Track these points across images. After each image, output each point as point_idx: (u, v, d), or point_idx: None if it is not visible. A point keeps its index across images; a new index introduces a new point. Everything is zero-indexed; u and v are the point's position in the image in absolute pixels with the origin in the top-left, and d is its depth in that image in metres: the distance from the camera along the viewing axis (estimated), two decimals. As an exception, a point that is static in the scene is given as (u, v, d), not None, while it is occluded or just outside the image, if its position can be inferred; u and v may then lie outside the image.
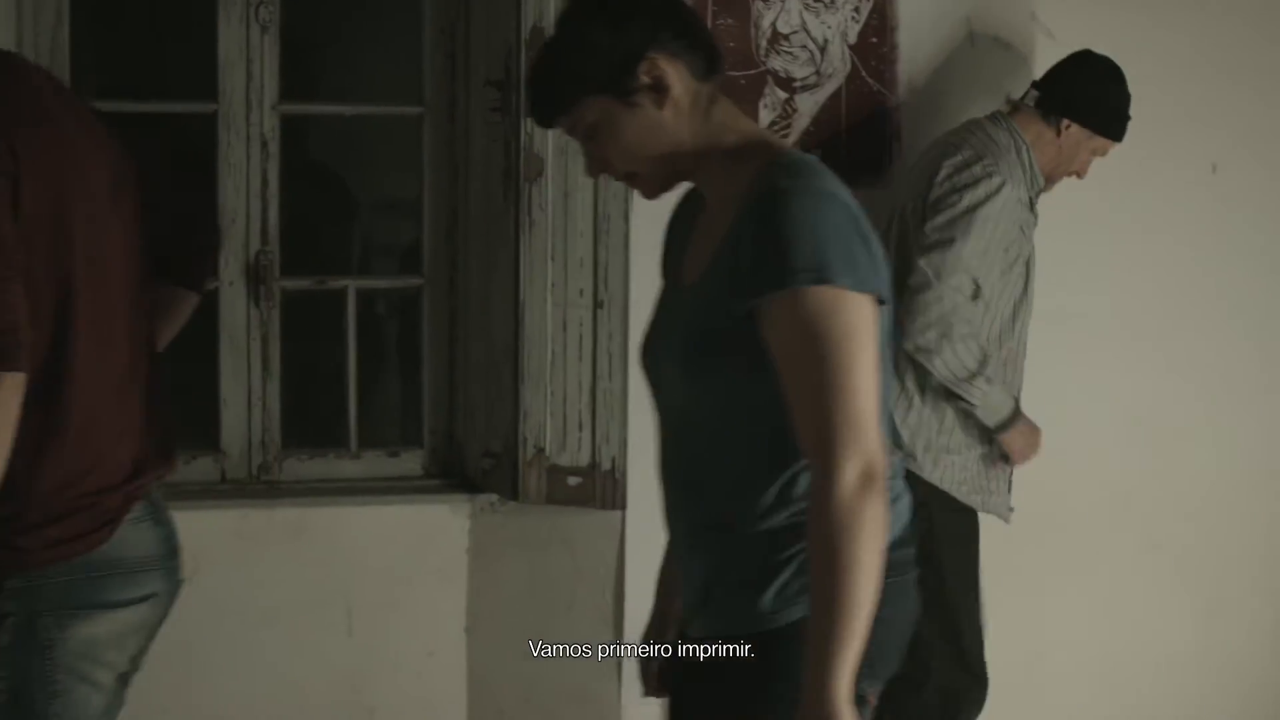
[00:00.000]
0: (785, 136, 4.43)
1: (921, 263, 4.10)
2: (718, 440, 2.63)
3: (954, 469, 4.26)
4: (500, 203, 4.35)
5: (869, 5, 4.50)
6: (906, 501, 2.72)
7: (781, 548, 2.56)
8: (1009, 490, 4.37)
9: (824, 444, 2.42)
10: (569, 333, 4.31)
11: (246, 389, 4.37)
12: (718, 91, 2.70)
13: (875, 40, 4.51)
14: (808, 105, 4.48)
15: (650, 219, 4.31)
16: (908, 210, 4.25)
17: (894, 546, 2.57)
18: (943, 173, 4.18)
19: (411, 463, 4.57)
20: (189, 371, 4.55)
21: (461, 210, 4.49)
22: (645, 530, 4.40)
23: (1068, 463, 4.71)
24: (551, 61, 2.66)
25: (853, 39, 4.50)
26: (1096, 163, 4.47)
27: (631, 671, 4.40)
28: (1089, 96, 4.32)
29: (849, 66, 4.50)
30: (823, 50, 4.48)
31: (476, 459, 4.45)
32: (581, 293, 4.30)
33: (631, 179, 2.73)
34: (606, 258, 4.30)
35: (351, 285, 4.53)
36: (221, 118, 4.30)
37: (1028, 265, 4.26)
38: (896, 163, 4.52)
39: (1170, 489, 4.79)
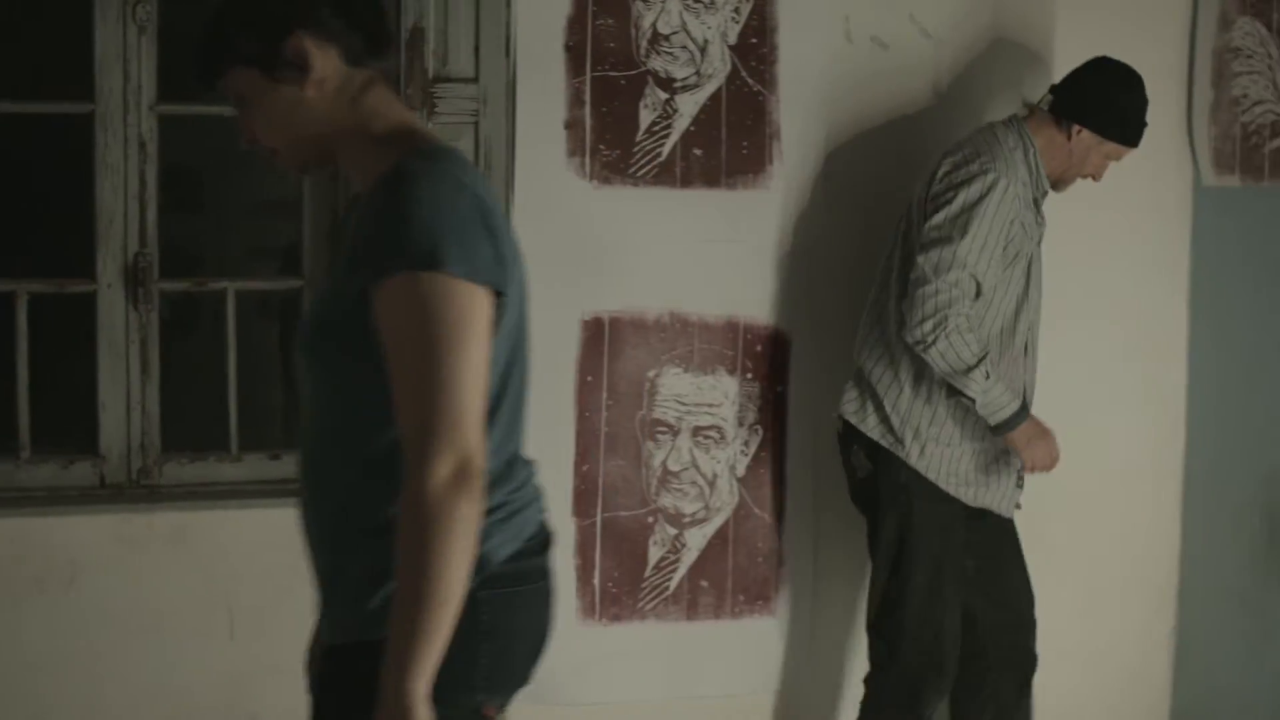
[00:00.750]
0: (665, 137, 4.47)
1: (920, 259, 4.21)
2: (334, 432, 2.61)
3: (942, 460, 4.34)
4: (381, 204, 4.35)
5: (749, 6, 4.55)
6: (536, 509, 2.71)
7: (390, 551, 2.47)
8: (1018, 485, 4.45)
9: (417, 436, 2.39)
10: (451, 334, 4.32)
11: (125, 392, 4.34)
12: (376, 78, 2.68)
13: (755, 41, 4.55)
14: (688, 106, 4.51)
15: (536, 216, 4.38)
16: (913, 207, 4.37)
17: (518, 556, 2.58)
18: (942, 170, 4.31)
19: (293, 465, 4.55)
20: (67, 374, 4.54)
21: (342, 211, 4.49)
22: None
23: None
24: (208, 28, 2.66)
25: (733, 40, 4.54)
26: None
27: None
28: (1100, 102, 4.37)
29: (729, 67, 4.54)
30: (703, 51, 4.52)
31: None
32: (464, 293, 4.32)
33: (274, 154, 2.70)
34: (488, 258, 4.31)
35: (231, 287, 4.51)
36: (98, 119, 4.27)
37: (1030, 264, 4.36)
38: (776, 163, 4.56)
39: (1044, 487, 4.86)
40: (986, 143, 4.34)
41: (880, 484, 4.39)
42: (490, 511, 2.53)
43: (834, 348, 4.68)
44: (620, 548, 4.53)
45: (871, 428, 4.37)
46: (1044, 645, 4.77)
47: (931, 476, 4.35)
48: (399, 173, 2.49)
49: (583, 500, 4.49)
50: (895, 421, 4.34)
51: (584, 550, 4.50)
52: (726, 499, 4.61)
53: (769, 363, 4.61)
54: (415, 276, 2.41)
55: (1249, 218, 4.85)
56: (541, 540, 2.70)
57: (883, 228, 4.73)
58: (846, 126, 4.69)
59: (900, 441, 4.34)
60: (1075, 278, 4.91)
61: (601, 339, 4.47)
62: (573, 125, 4.42)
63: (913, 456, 4.34)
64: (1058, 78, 4.72)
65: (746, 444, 4.62)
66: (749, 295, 4.59)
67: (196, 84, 2.70)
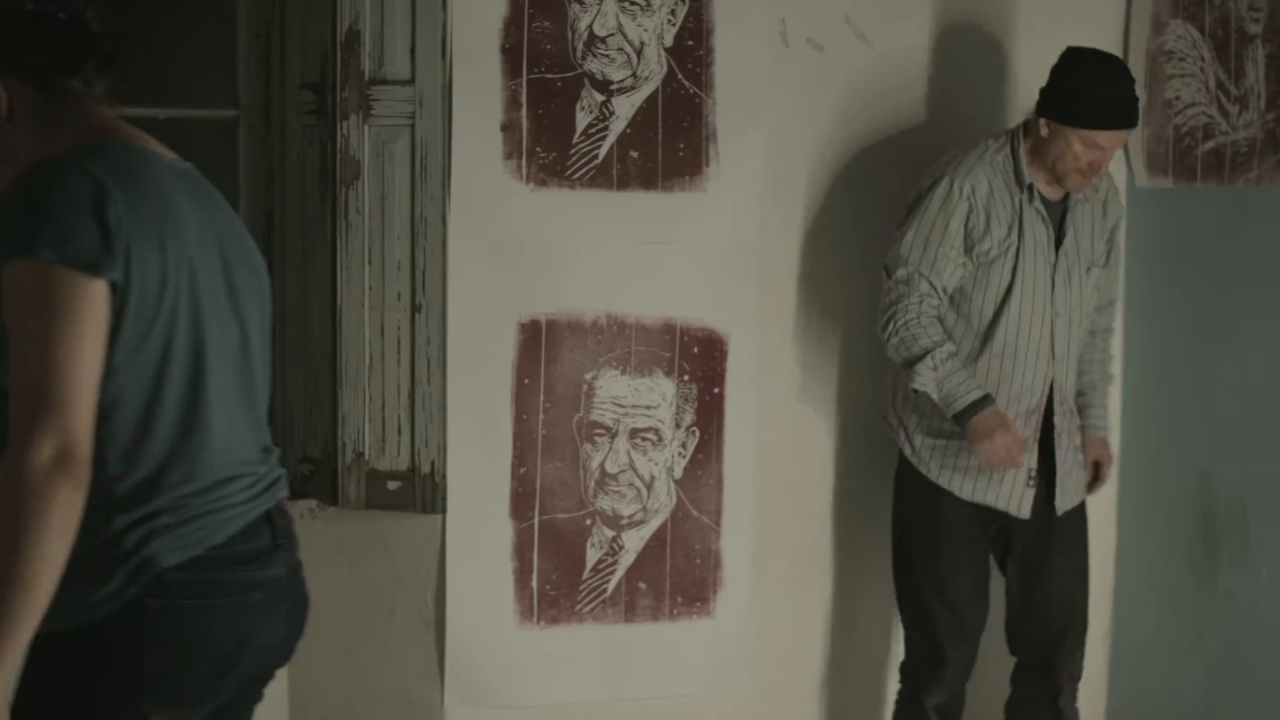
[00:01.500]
0: (602, 139, 4.50)
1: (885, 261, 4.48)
2: None
3: (934, 453, 4.49)
4: (317, 206, 4.37)
5: (685, 8, 4.58)
6: (237, 515, 2.66)
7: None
8: (1029, 485, 4.47)
9: (18, 419, 2.41)
10: (387, 337, 4.34)
11: None
12: (77, 91, 2.70)
13: (691, 43, 4.58)
14: (624, 108, 4.54)
15: (473, 218, 4.40)
16: None
17: (194, 565, 2.55)
18: None
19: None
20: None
21: (278, 214, 4.50)
22: (466, 534, 4.46)
23: (881, 455, 4.84)
24: None
25: (669, 42, 4.57)
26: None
27: (455, 675, 4.45)
28: (1053, 89, 4.40)
29: (665, 69, 4.56)
30: (639, 53, 4.54)
31: (295, 465, 4.46)
32: (399, 296, 4.34)
33: None
34: (424, 261, 4.34)
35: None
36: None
37: (1017, 259, 4.40)
38: (713, 165, 4.59)
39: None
40: (963, 149, 4.49)
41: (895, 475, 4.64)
42: (153, 515, 2.53)
43: (772, 349, 4.73)
44: (558, 550, 4.55)
45: (889, 420, 4.62)
46: (981, 646, 4.82)
47: (924, 470, 4.50)
48: (27, 170, 2.53)
49: (520, 502, 4.51)
50: (895, 415, 4.58)
51: (521, 553, 4.51)
52: (664, 501, 4.64)
53: (706, 364, 4.64)
54: (12, 263, 2.44)
55: (1182, 219, 4.92)
56: (247, 551, 2.66)
57: (819, 229, 4.78)
58: (783, 129, 4.72)
59: (899, 434, 4.56)
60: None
61: (538, 341, 4.48)
62: (509, 127, 4.43)
63: (908, 449, 4.54)
64: (992, 80, 4.78)
65: (684, 446, 4.64)
66: (686, 297, 4.61)
67: None
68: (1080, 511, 4.62)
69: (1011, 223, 4.41)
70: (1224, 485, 4.76)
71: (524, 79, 4.45)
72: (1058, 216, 4.46)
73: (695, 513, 4.66)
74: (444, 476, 4.39)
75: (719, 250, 4.64)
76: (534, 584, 4.54)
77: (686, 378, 4.63)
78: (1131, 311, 5.09)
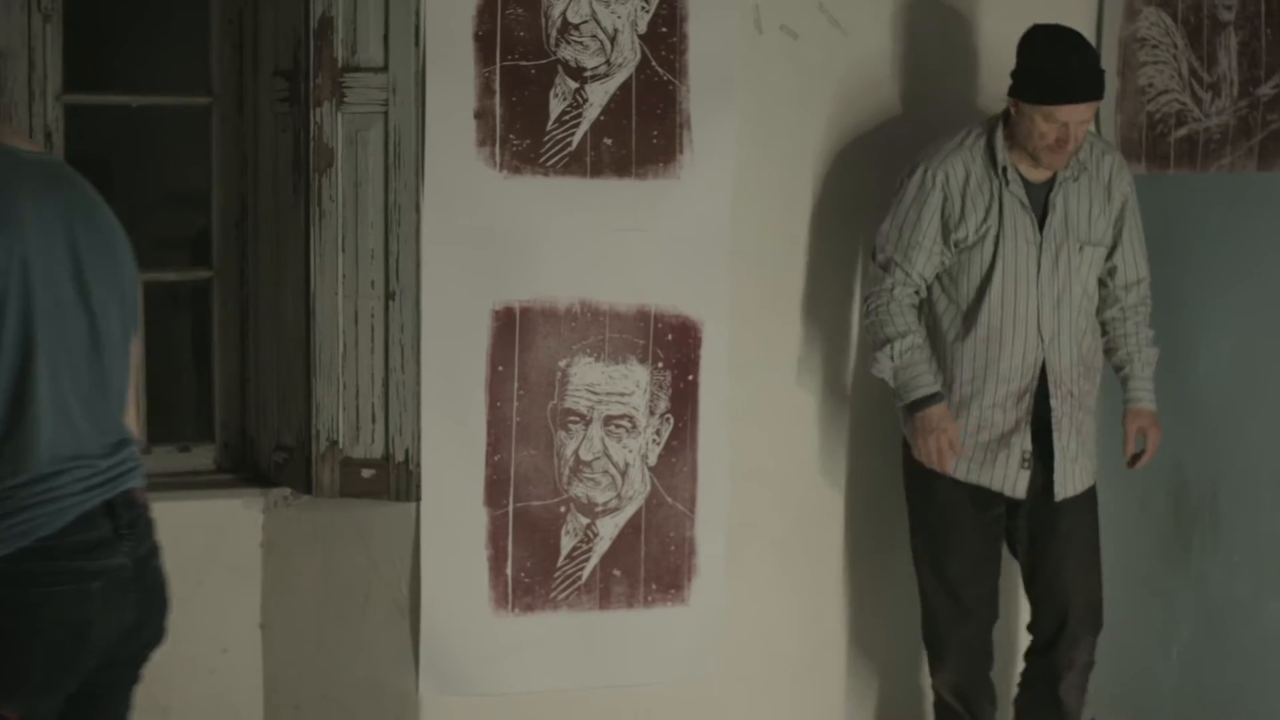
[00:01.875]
0: (576, 126, 4.51)
1: None
2: None
3: None
4: (290, 194, 4.37)
5: (659, -5, 4.60)
6: (61, 509, 2.68)
7: None
8: (1023, 466, 4.52)
9: None
10: (360, 324, 4.35)
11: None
12: None
13: (665, 30, 4.59)
14: (598, 95, 4.55)
15: (447, 206, 4.41)
16: None
17: (22, 557, 2.58)
18: None
19: (203, 458, 4.59)
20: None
21: (251, 202, 4.51)
22: (440, 522, 4.48)
23: (847, 442, 4.94)
24: None
25: (643, 29, 4.58)
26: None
27: (430, 663, 4.47)
28: (1015, 70, 4.42)
29: (639, 56, 4.58)
30: (613, 40, 4.56)
31: (269, 453, 4.47)
32: (373, 284, 4.34)
33: None
34: (398, 249, 4.34)
35: (140, 278, 4.51)
36: (2, 109, 4.26)
37: (997, 244, 4.46)
38: (686, 152, 4.61)
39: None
40: (944, 137, 4.57)
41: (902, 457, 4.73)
42: None
43: (745, 336, 4.74)
44: (533, 537, 4.57)
45: (896, 403, 4.65)
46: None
47: (913, 449, 4.57)
48: None
49: (495, 490, 4.52)
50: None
51: (496, 540, 4.53)
52: (639, 488, 4.65)
53: (680, 351, 4.66)
54: None
55: (1155, 205, 4.93)
56: (83, 541, 2.68)
57: (791, 215, 4.79)
58: (757, 116, 4.74)
59: (901, 415, 4.60)
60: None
61: (513, 329, 4.50)
62: (482, 115, 4.45)
63: (907, 430, 4.60)
64: (966, 67, 4.80)
65: (658, 433, 4.66)
66: (660, 284, 4.63)
67: None
68: (1086, 499, 4.63)
69: (989, 208, 4.45)
70: (1196, 474, 4.78)
71: (497, 66, 4.46)
72: (1042, 197, 4.48)
73: (670, 500, 4.68)
74: (418, 464, 4.40)
75: (693, 237, 4.65)
76: (509, 571, 4.56)
77: (660, 365, 4.64)
78: (1105, 298, 5.12)
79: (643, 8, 4.58)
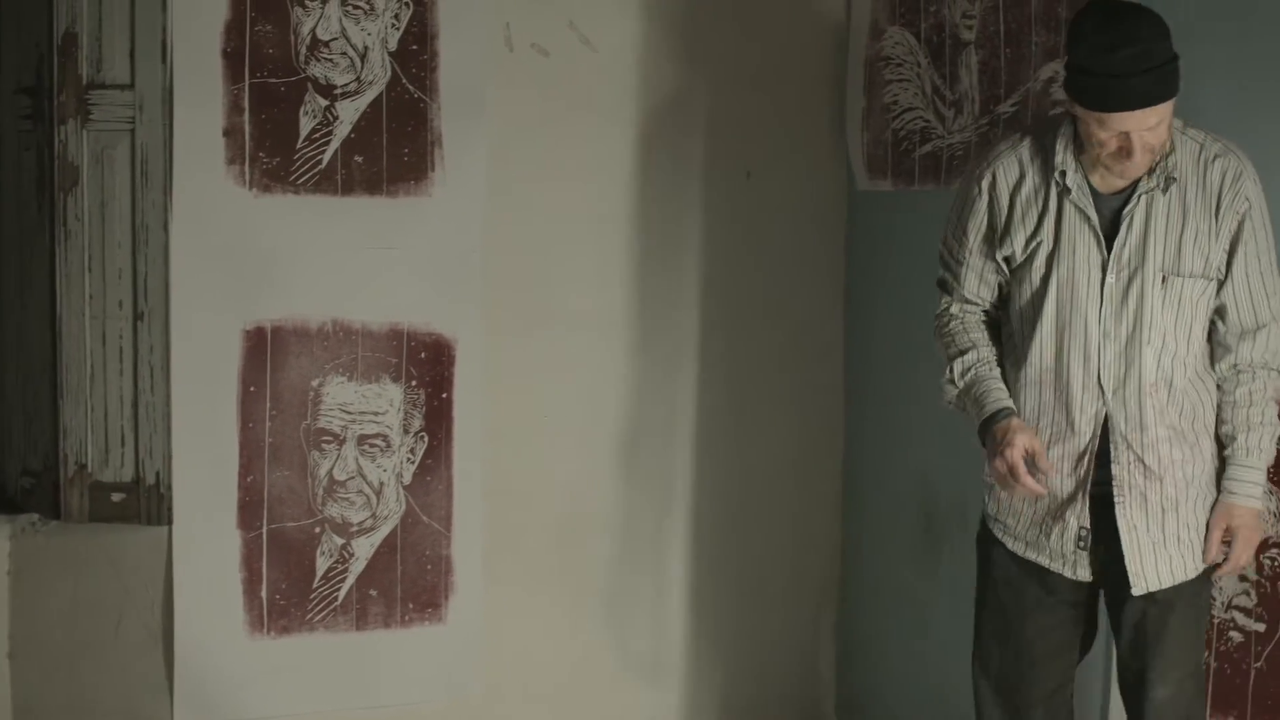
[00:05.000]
0: (326, 144, 4.57)
1: None
2: None
3: (995, 500, 3.88)
4: (34, 214, 4.38)
5: (409, 13, 4.67)
6: None
7: None
8: (1079, 546, 3.71)
9: None
10: (109, 346, 4.38)
11: None
12: None
13: (415, 48, 4.68)
14: (349, 112, 4.63)
15: (196, 225, 4.44)
16: None
17: None
18: None
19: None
20: None
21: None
22: (193, 545, 4.50)
23: (604, 459, 5.04)
24: None
25: (393, 46, 4.67)
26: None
27: (184, 690, 4.49)
28: (1066, 59, 3.59)
29: (389, 73, 4.66)
30: (363, 57, 4.63)
31: (16, 478, 4.47)
32: (121, 304, 4.37)
33: None
34: (146, 269, 4.38)
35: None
36: None
37: (1049, 266, 3.68)
38: (438, 169, 4.70)
39: (708, 481, 5.11)
40: (1010, 132, 4.08)
41: None
42: None
43: (499, 354, 4.86)
44: (287, 559, 4.62)
45: None
46: (712, 641, 5.00)
47: (989, 514, 3.91)
48: None
49: (248, 512, 4.57)
50: None
51: (250, 563, 4.58)
52: (394, 507, 4.73)
53: (434, 370, 4.75)
54: None
55: (901, 221, 5.12)
56: None
57: (544, 232, 4.90)
58: (510, 134, 4.85)
59: None
60: (737, 283, 5.15)
61: (264, 348, 4.55)
62: (231, 132, 4.50)
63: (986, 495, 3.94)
64: (717, 79, 4.95)
65: (413, 451, 4.74)
66: (412, 302, 4.72)
67: None
68: (1187, 598, 3.70)
69: (1042, 218, 3.68)
70: (944, 484, 4.98)
71: (246, 83, 4.51)
72: (1116, 211, 3.64)
73: (425, 518, 4.76)
74: (169, 487, 4.45)
75: (446, 255, 4.75)
76: (263, 594, 4.60)
77: (414, 383, 4.72)
78: (853, 312, 5.31)
79: (393, 25, 4.66)
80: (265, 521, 4.59)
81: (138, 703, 4.56)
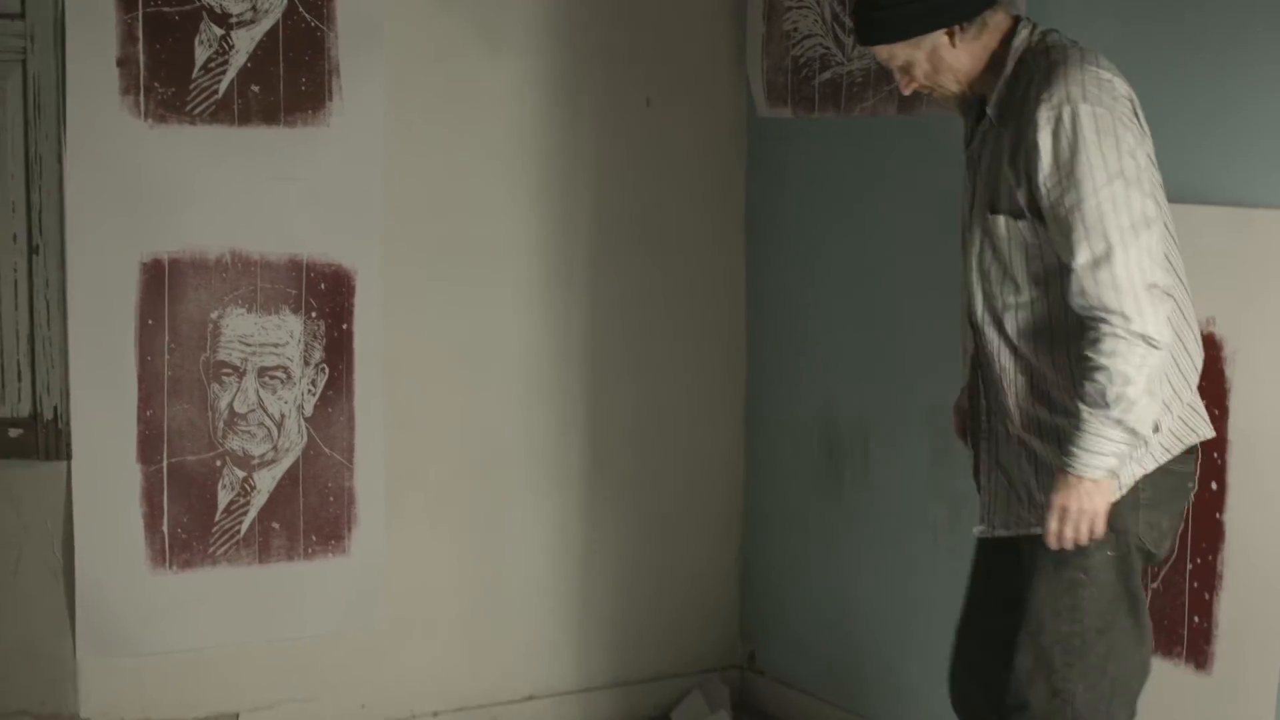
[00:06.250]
0: (222, 74, 4.57)
1: None
2: None
3: None
4: (-75, 146, 4.37)
5: (304, -60, 4.68)
6: None
7: None
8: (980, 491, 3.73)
9: None
10: (3, 280, 4.39)
11: None
12: None
13: (311, -24, 4.69)
14: (244, 42, 4.63)
15: (90, 157, 4.44)
16: None
17: None
18: None
19: None
20: None
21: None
22: (92, 480, 4.52)
23: (505, 389, 5.10)
24: None
25: (288, -25, 4.67)
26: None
27: (86, 625, 4.51)
28: None
29: (286, 2, 4.65)
30: (258, -14, 4.63)
31: (-91, 415, 4.47)
32: (15, 238, 4.38)
33: None
34: (40, 201, 4.38)
35: None
36: None
37: (966, 213, 3.62)
38: (336, 99, 4.71)
39: (610, 411, 5.18)
40: None
41: None
42: None
43: (398, 283, 4.89)
44: (188, 493, 4.65)
45: None
46: (615, 571, 5.07)
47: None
48: None
49: (147, 446, 4.59)
50: None
51: (150, 497, 4.60)
52: (295, 439, 4.76)
53: (334, 301, 4.78)
54: None
55: (801, 148, 5.18)
56: None
57: (444, 163, 4.92)
58: (408, 63, 4.87)
59: None
60: (637, 211, 5.21)
61: (162, 281, 4.56)
62: (125, 62, 4.49)
63: None
64: (615, 10, 4.98)
65: (314, 383, 4.77)
66: (311, 233, 4.75)
67: None
68: (1030, 554, 3.57)
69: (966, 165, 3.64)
70: (846, 413, 5.08)
71: (140, 12, 4.50)
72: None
73: (327, 450, 4.79)
74: (68, 422, 4.47)
75: (344, 185, 4.77)
76: (165, 528, 4.63)
77: (314, 314, 4.75)
78: (754, 241, 5.37)
79: (287, -48, 4.66)
80: (165, 455, 4.61)
81: (39, 640, 4.58)
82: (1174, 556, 3.92)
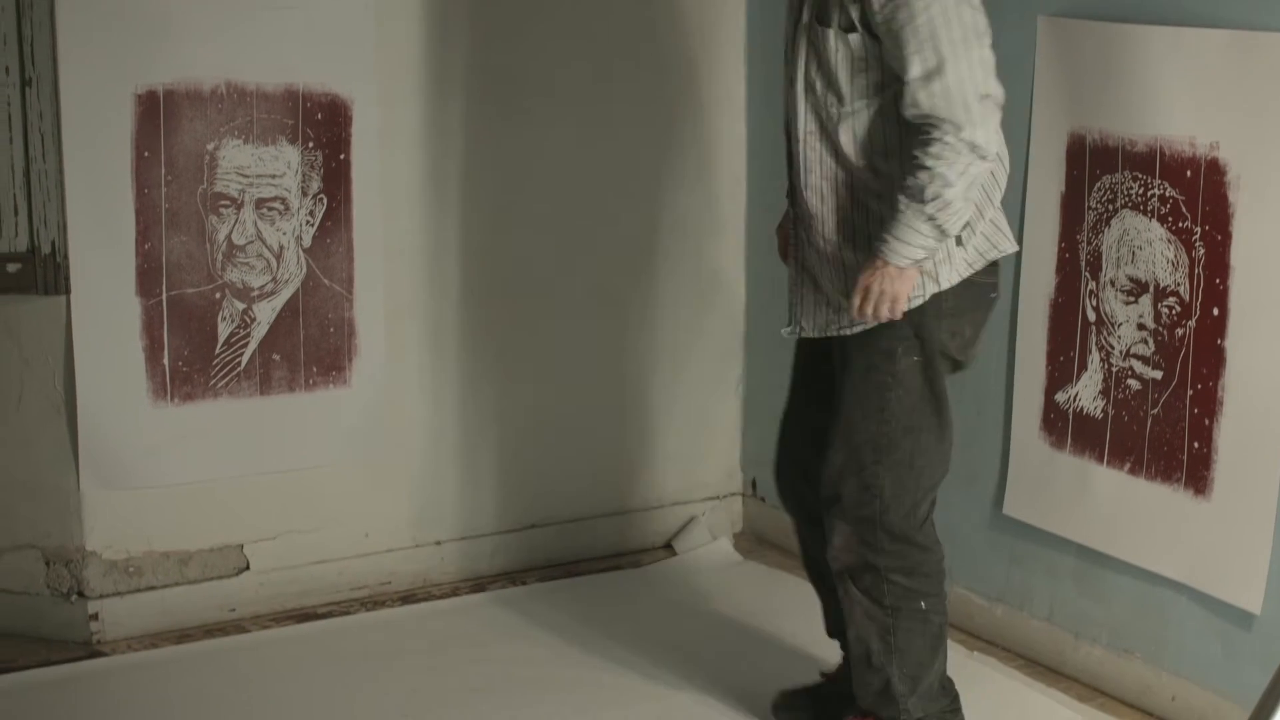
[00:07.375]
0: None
1: None
2: None
3: None
4: (-87, -22, 4.36)
5: None
6: None
7: None
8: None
9: None
10: (-4, 113, 4.39)
11: None
12: None
13: None
14: None
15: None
16: None
17: None
18: None
19: None
20: None
21: None
22: (92, 314, 4.55)
23: (503, 218, 5.12)
24: None
25: None
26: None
27: (89, 459, 4.57)
28: None
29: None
30: None
31: (-95, 252, 4.48)
32: (8, 71, 4.37)
33: None
34: (32, 33, 4.37)
35: None
36: None
37: (785, 36, 3.85)
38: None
39: (618, 230, 5.22)
40: None
41: None
42: None
43: (395, 114, 4.90)
44: (188, 325, 4.69)
45: None
46: (619, 402, 5.12)
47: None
48: None
49: (147, 279, 4.62)
50: None
51: (151, 330, 4.64)
52: (294, 270, 4.79)
53: (331, 130, 4.79)
54: None
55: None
56: None
57: (440, -10, 4.92)
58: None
59: None
60: (632, 38, 5.19)
61: (157, 113, 4.56)
62: (113, -110, 4.47)
63: None
64: None
65: (312, 214, 4.78)
66: (307, 63, 4.74)
67: None
68: (842, 359, 3.89)
69: None
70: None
71: None
72: None
73: (327, 281, 4.82)
74: (65, 256, 4.49)
75: (340, 14, 4.76)
76: (165, 361, 4.67)
77: (311, 145, 4.76)
78: (754, 62, 5.36)
79: None
80: (165, 288, 4.64)
81: (42, 474, 4.65)
82: (978, 358, 4.01)
